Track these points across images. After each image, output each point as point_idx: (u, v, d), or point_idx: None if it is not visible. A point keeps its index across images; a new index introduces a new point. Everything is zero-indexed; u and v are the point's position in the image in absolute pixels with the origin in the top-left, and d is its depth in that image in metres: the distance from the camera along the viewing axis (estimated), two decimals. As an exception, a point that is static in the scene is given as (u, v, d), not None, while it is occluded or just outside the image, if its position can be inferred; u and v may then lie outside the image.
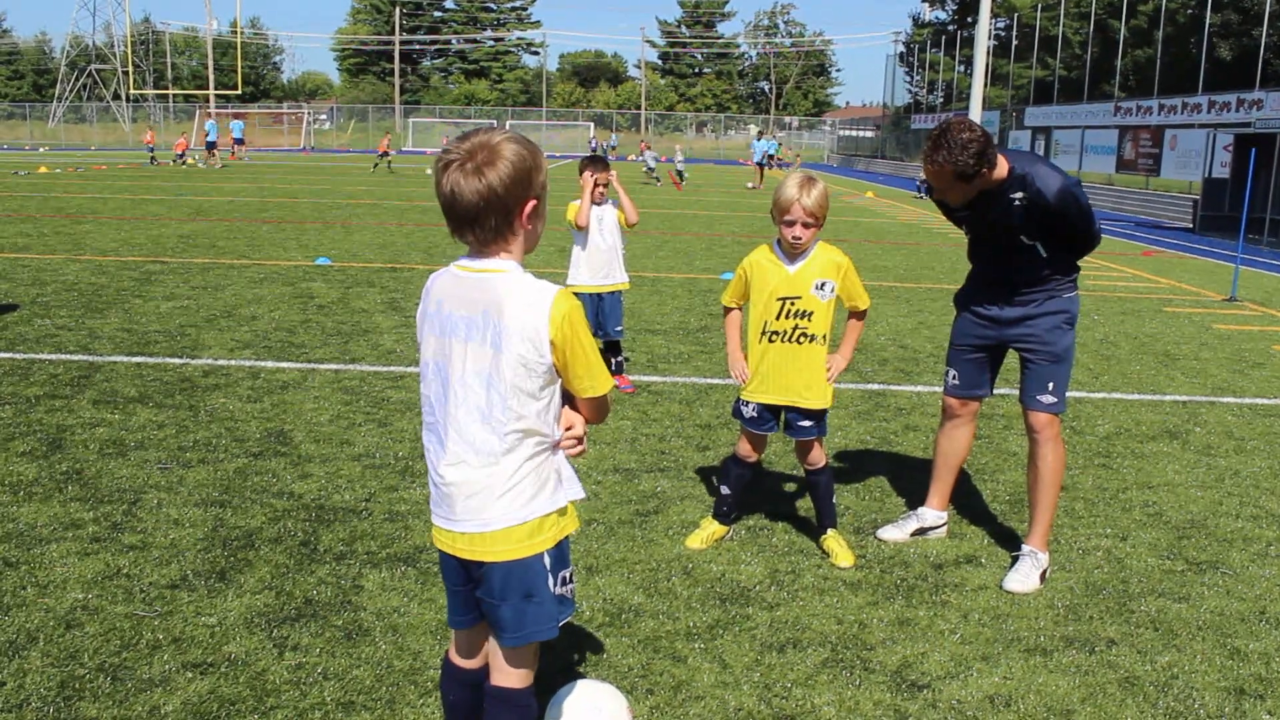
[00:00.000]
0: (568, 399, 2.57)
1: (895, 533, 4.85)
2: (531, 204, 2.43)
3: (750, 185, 38.74)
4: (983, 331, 4.62)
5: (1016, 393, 4.69)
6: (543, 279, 2.47)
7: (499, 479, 2.47)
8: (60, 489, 5.03)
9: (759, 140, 41.04)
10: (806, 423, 4.52)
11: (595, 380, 2.50)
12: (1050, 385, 4.42)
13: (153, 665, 3.46)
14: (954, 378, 4.76)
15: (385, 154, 41.26)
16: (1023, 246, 4.35)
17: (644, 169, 39.47)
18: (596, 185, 6.93)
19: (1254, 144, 21.64)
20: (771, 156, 52.45)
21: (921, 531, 4.85)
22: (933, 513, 4.88)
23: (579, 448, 2.59)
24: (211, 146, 41.92)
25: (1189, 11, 46.69)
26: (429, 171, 33.95)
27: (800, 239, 4.33)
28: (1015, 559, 4.47)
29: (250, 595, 3.98)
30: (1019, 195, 4.22)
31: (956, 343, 4.75)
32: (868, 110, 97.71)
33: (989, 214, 4.33)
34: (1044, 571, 4.38)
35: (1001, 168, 4.22)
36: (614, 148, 63.50)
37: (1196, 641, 3.94)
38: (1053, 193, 4.16)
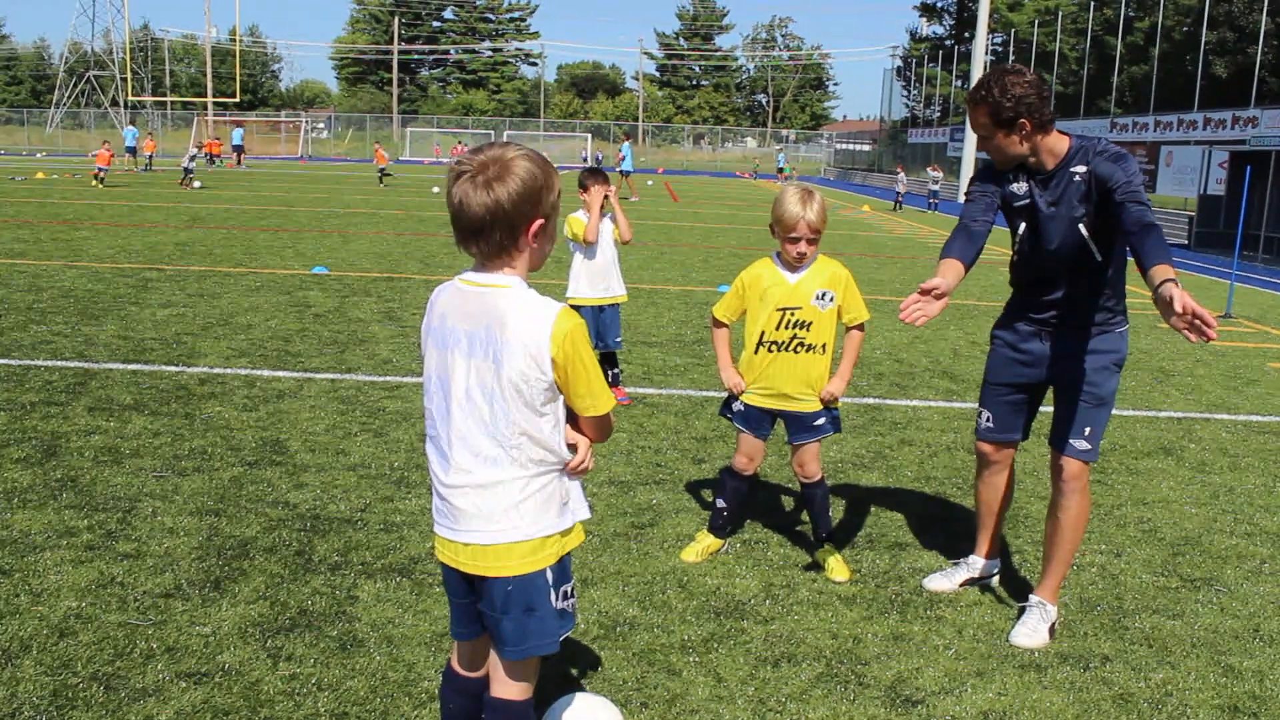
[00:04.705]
0: (570, 417, 2.56)
1: (944, 582, 4.51)
2: (539, 223, 2.43)
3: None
4: (1022, 370, 4.21)
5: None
6: (545, 295, 2.47)
7: (505, 492, 2.47)
8: (55, 496, 5.02)
9: (626, 145, 37.99)
10: (819, 421, 4.49)
11: (597, 399, 2.51)
12: (1087, 430, 4.00)
13: (146, 675, 3.45)
14: (988, 420, 4.33)
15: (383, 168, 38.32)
16: (1081, 245, 3.95)
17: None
18: (607, 198, 6.96)
19: (1249, 161, 21.76)
20: (780, 170, 55.46)
21: (972, 581, 4.52)
22: (982, 561, 4.55)
23: (584, 464, 2.59)
24: (239, 150, 47.56)
25: (1185, 29, 46.92)
26: (436, 190, 33.81)
27: (805, 255, 4.34)
28: (1022, 610, 4.19)
29: (245, 605, 3.98)
30: (1080, 170, 3.89)
31: (992, 381, 4.31)
32: (865, 124, 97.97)
33: (1050, 196, 3.97)
34: (1053, 625, 4.07)
35: (1061, 143, 3.95)
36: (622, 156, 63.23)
37: (1191, 659, 3.94)
38: (1112, 151, 3.88)
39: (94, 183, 30.14)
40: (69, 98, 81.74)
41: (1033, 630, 4.04)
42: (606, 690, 3.47)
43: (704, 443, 6.49)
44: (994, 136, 3.93)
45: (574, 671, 3.62)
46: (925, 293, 3.60)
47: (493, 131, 74.07)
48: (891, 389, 8.24)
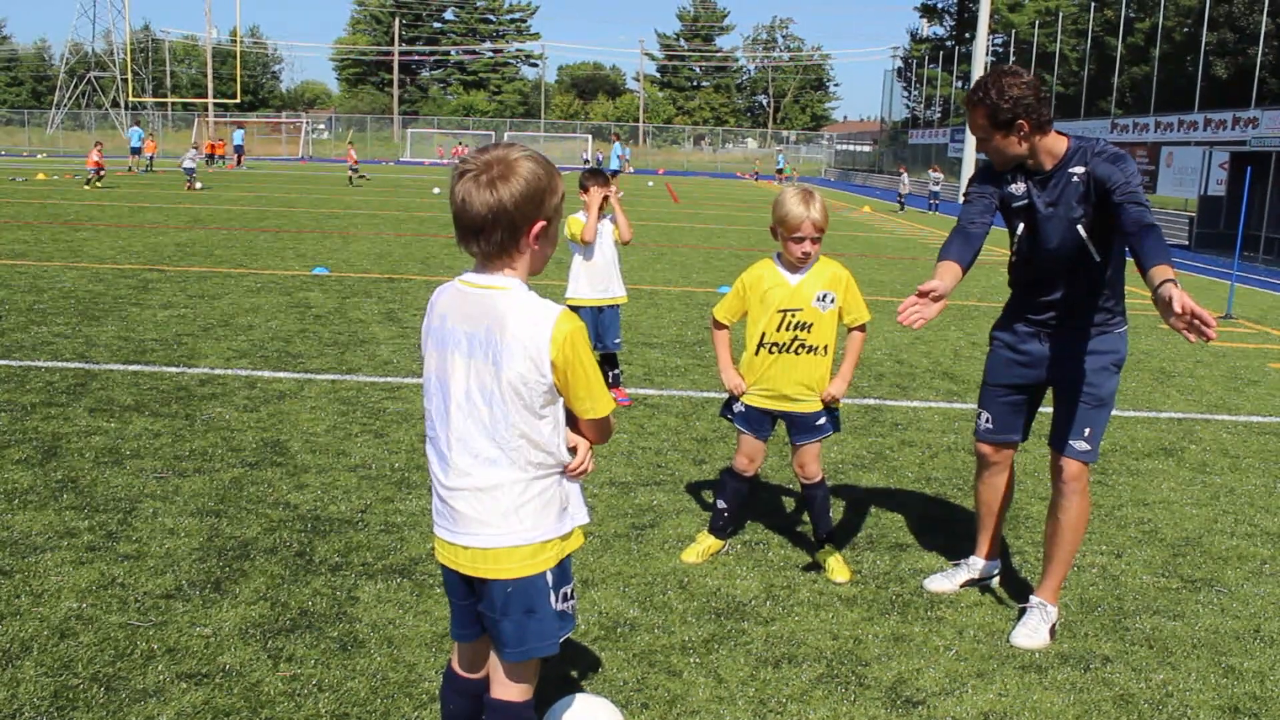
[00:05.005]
0: (570, 419, 2.56)
1: (944, 583, 4.50)
2: (540, 225, 2.44)
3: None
4: (1021, 371, 4.20)
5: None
6: (545, 298, 2.47)
7: (504, 495, 2.47)
8: (55, 497, 5.02)
9: (618, 145, 37.84)
10: (820, 420, 4.49)
11: (596, 402, 2.50)
12: (1087, 431, 3.99)
13: (147, 676, 3.45)
14: (987, 421, 4.32)
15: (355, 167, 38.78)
16: (1079, 245, 3.94)
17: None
18: (607, 199, 6.96)
19: (1250, 162, 21.76)
20: (779, 170, 55.76)
21: (973, 582, 4.52)
22: (983, 562, 4.54)
23: (584, 466, 2.59)
24: (239, 151, 48.46)
25: (1185, 30, 46.93)
26: (436, 191, 33.81)
27: (810, 254, 4.34)
28: (1022, 611, 4.19)
29: (245, 606, 3.98)
30: (1079, 170, 3.88)
31: (991, 382, 4.30)
32: (865, 125, 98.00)
33: (1048, 196, 3.96)
34: (1053, 626, 4.06)
35: (1059, 143, 3.96)
36: (627, 159, 62.56)
37: (1191, 659, 3.94)
38: (1110, 152, 3.87)
39: (85, 186, 29.72)
40: (70, 99, 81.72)
41: (1033, 631, 4.04)
42: (607, 691, 3.47)
43: (704, 444, 6.49)
44: (992, 138, 3.93)
45: (574, 673, 3.62)
46: (923, 295, 3.60)
47: (493, 133, 74.10)
48: (892, 390, 8.24)
